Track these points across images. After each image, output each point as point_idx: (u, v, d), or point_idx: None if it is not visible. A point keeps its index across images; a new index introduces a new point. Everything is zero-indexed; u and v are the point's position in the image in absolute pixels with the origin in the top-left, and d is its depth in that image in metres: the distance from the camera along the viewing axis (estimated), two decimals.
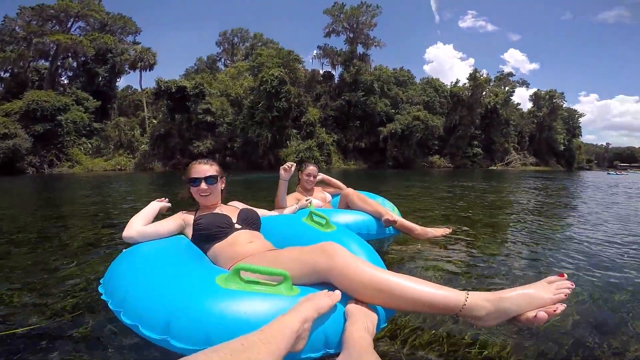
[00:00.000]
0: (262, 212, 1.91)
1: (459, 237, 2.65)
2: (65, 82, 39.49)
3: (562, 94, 47.46)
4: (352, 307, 1.01)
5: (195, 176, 1.58)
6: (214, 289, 1.01)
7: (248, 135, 29.67)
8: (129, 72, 41.61)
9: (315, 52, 42.55)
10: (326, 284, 1.09)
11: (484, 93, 40.45)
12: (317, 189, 3.06)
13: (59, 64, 38.55)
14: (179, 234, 1.55)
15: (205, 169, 1.60)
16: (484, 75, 40.23)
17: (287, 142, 31.21)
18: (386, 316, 1.13)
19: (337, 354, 0.90)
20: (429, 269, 1.83)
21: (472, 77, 39.61)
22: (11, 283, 1.67)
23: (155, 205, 1.66)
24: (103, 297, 1.19)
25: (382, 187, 8.72)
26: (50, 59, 38.29)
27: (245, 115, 30.74)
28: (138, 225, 1.46)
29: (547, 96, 47.26)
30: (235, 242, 1.40)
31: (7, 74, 39.03)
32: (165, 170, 27.07)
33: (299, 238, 1.55)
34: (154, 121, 33.05)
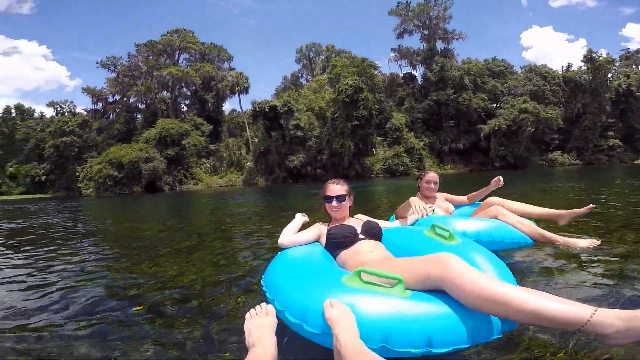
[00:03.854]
0: (384, 224, 2.11)
1: (609, 250, 2.23)
2: (185, 109, 47.82)
3: None
4: (329, 312, 1.04)
5: (328, 194, 1.89)
6: (340, 286, 1.22)
7: (333, 146, 30.65)
8: (231, 97, 47.91)
9: (391, 55, 41.75)
10: (442, 291, 1.15)
11: (609, 75, 33.28)
12: (439, 197, 2.99)
13: (176, 93, 46.88)
14: (315, 241, 1.90)
15: (336, 189, 1.89)
16: (603, 56, 33.22)
17: (372, 150, 31.18)
18: (506, 328, 1.15)
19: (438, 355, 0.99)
20: (562, 284, 1.71)
21: (589, 59, 33.10)
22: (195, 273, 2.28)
23: (300, 219, 2.07)
24: (264, 289, 1.54)
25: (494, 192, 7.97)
26: (170, 89, 46.86)
27: (329, 127, 31.97)
28: (289, 234, 1.88)
29: None
30: (359, 251, 1.62)
31: (143, 105, 49.34)
32: (266, 185, 30.06)
33: (420, 251, 1.63)
34: (256, 140, 37.23)
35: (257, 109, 32.34)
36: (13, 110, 51.80)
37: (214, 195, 17.08)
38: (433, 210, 2.55)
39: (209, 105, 44.98)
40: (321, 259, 1.60)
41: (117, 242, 4.23)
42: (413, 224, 2.28)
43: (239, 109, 48.35)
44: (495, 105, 33.26)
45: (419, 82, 38.28)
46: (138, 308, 1.77)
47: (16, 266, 2.98)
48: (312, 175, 31.03)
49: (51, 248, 3.79)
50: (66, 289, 2.16)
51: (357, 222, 1.89)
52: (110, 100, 50.98)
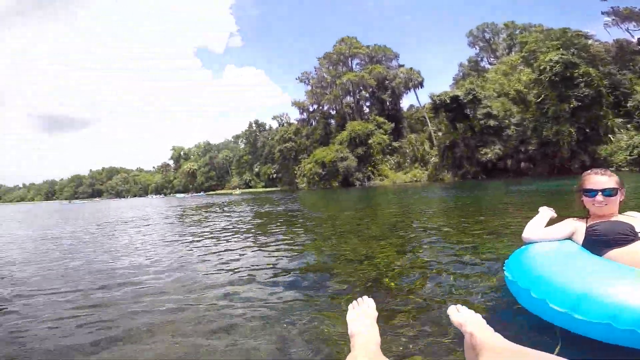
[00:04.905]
0: None
1: None
2: (367, 110, 51.45)
3: None
4: (457, 316, 1.11)
5: (590, 187, 1.62)
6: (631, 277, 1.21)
7: (543, 134, 24.92)
8: (406, 93, 47.60)
9: (605, 19, 30.34)
10: None
11: None
12: None
13: (358, 97, 50.89)
14: (567, 238, 1.75)
15: (602, 180, 1.60)
16: None
17: (609, 136, 23.15)
18: None
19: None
20: None
21: None
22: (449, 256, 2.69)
23: (548, 213, 1.90)
24: (510, 279, 1.63)
25: None
26: (351, 94, 51.36)
27: (535, 113, 26.12)
28: (537, 228, 1.78)
29: None
30: (637, 251, 1.42)
31: (334, 111, 56.51)
32: (454, 180, 28.35)
33: None
34: (439, 134, 35.67)
35: (437, 101, 30.81)
36: (254, 125, 72.04)
37: (398, 191, 17.84)
38: None
39: (387, 104, 46.58)
40: (585, 252, 1.55)
41: (327, 224, 5.39)
42: None
43: (417, 104, 47.74)
44: None
45: None
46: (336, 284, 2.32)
47: (273, 234, 4.43)
48: (513, 170, 26.57)
49: (286, 226, 5.33)
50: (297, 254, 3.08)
51: (631, 219, 1.61)
52: (311, 109, 62.12)
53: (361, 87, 48.10)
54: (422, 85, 44.79)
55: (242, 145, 76.09)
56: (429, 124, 39.24)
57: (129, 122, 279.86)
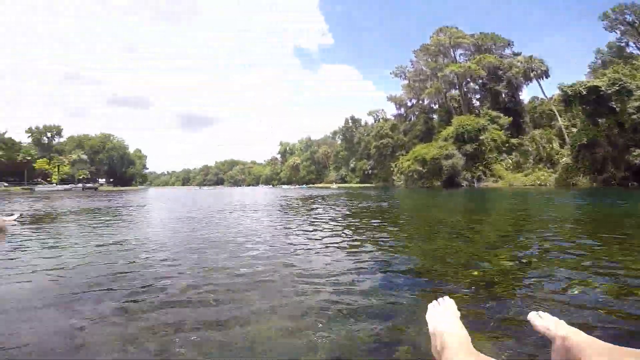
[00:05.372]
0: None
1: None
2: (477, 104, 46.30)
3: None
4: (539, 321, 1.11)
5: None
6: None
7: None
8: (527, 83, 40.80)
9: None
10: None
11: None
12: None
13: (464, 89, 45.99)
14: None
15: None
16: None
17: None
18: None
19: None
20: None
21: None
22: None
23: None
24: None
25: None
26: (457, 87, 46.73)
27: None
28: None
29: None
30: None
31: (436, 105, 52.65)
32: (592, 186, 23.38)
33: None
34: (573, 130, 29.69)
35: (569, 92, 25.59)
36: (349, 121, 73.10)
37: (517, 194, 15.62)
38: None
39: (503, 96, 41.19)
40: None
41: (432, 225, 5.01)
42: None
43: (542, 96, 40.61)
44: None
45: None
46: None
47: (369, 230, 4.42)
48: None
49: (390, 224, 5.26)
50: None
51: None
52: (409, 104, 59.45)
53: (468, 79, 43.90)
54: (547, 75, 38.06)
55: (339, 141, 78.44)
56: (559, 119, 33.00)
57: (246, 119, 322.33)
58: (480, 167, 33.23)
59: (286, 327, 1.61)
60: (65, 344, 1.47)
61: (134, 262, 2.94)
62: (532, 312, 1.19)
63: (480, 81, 43.55)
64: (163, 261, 2.95)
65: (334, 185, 44.04)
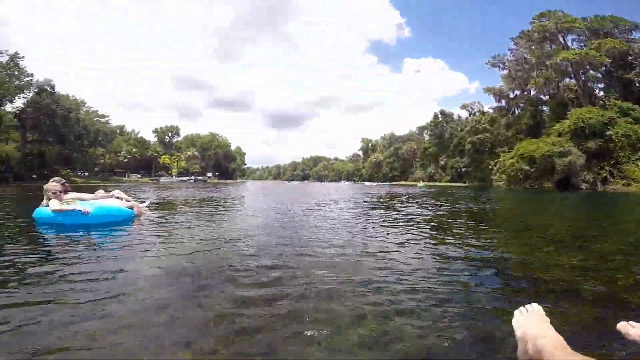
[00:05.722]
0: None
1: None
2: (600, 94, 38.69)
3: None
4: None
5: None
6: None
7: None
8: None
9: None
10: None
11: None
12: None
13: (583, 78, 38.63)
14: None
15: None
16: None
17: None
18: None
19: None
20: None
21: None
22: None
23: None
24: None
25: None
26: (572, 76, 39.57)
27: None
28: None
29: None
30: None
31: (547, 97, 45.56)
32: None
33: None
34: None
35: None
36: (439, 116, 68.51)
37: None
38: None
39: (636, 84, 33.87)
40: None
41: (533, 231, 4.27)
42: None
43: None
44: None
45: None
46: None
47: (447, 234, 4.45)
48: None
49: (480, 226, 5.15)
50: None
51: None
52: (511, 96, 52.94)
53: (587, 67, 37.46)
54: None
55: (427, 137, 74.68)
56: None
57: (330, 117, 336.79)
58: (607, 167, 27.98)
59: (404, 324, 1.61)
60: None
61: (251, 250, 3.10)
62: (622, 322, 1.17)
63: (604, 69, 36.85)
64: (278, 248, 3.22)
65: (421, 184, 42.11)
